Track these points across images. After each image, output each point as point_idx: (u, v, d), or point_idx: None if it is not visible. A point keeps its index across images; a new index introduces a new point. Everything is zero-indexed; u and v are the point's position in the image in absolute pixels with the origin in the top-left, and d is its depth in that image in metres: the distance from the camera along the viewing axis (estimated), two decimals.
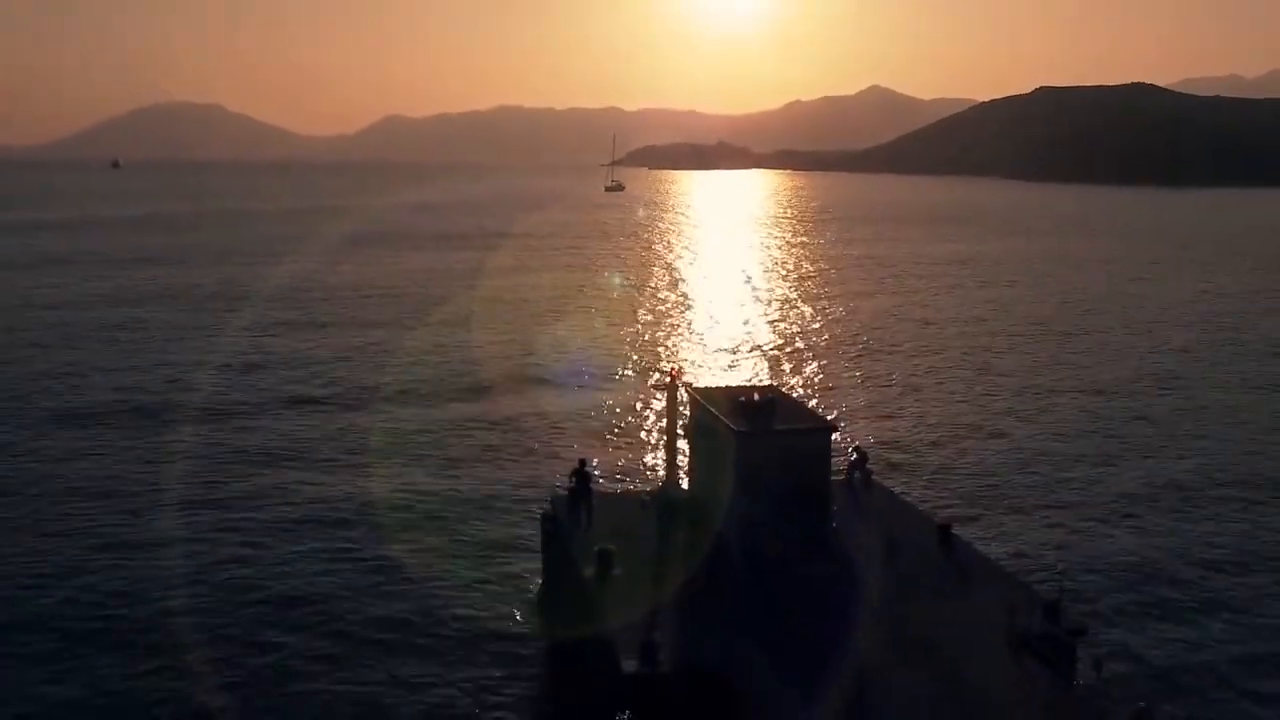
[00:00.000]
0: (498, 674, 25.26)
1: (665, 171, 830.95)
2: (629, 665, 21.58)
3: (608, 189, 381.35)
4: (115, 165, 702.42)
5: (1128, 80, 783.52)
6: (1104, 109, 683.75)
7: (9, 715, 23.43)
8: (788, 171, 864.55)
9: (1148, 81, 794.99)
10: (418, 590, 29.66)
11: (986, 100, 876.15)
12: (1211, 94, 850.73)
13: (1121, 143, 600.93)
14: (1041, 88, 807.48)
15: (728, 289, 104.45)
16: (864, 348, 70.31)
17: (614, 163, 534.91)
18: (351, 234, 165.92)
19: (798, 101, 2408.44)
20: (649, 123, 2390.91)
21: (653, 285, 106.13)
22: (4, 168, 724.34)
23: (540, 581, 29.95)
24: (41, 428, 46.82)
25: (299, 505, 36.68)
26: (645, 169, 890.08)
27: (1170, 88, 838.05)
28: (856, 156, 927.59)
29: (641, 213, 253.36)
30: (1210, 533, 35.01)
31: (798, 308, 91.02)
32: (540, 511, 31.31)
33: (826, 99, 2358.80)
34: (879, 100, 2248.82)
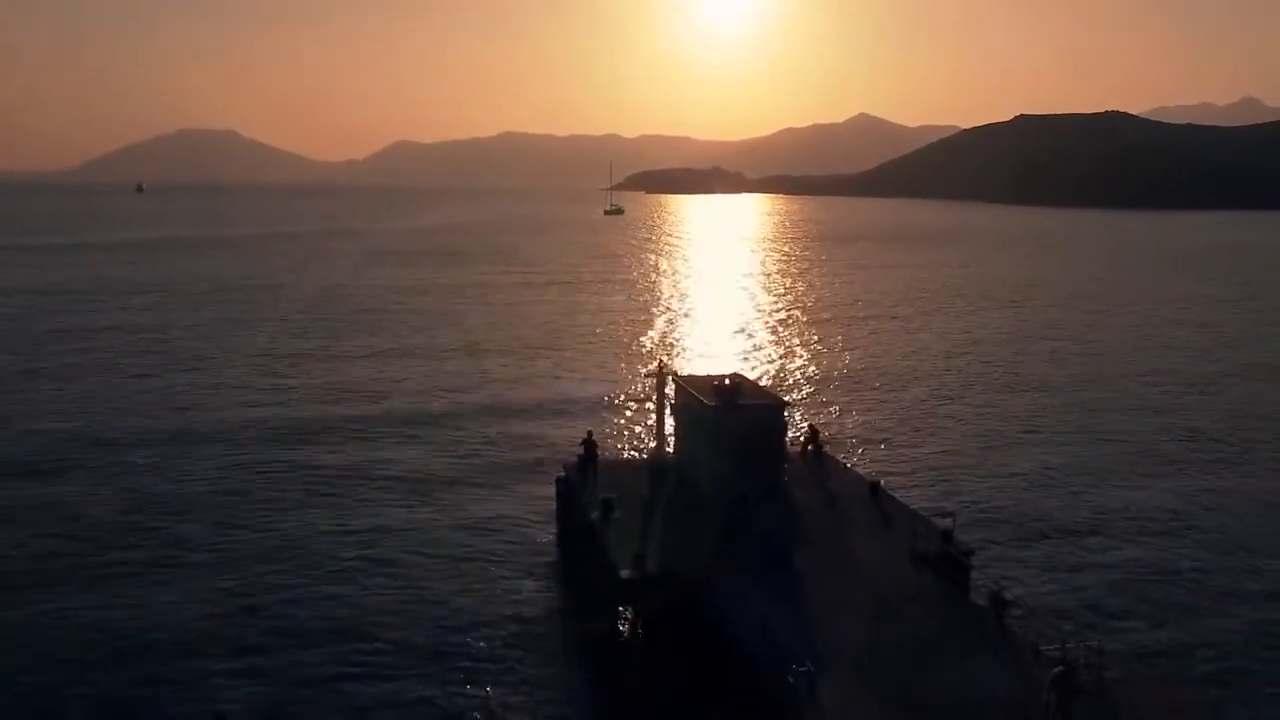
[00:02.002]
0: (522, 589, 31.77)
1: (663, 196, 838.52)
2: (625, 573, 27.99)
3: (607, 212, 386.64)
4: (139, 189, 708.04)
5: (1103, 109, 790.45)
6: (1080, 136, 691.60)
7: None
8: (779, 196, 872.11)
9: (1122, 110, 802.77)
10: (456, 536, 36.15)
11: (969, 127, 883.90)
12: (1184, 121, 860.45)
13: (1097, 168, 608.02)
14: (1021, 115, 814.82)
15: (711, 296, 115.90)
16: (824, 345, 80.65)
17: (613, 187, 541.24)
18: (375, 252, 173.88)
19: (789, 129, 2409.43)
20: (647, 149, 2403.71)
21: (646, 294, 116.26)
22: (35, 191, 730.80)
23: (556, 528, 36.43)
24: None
25: (341, 478, 43.15)
26: (643, 193, 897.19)
27: (1144, 115, 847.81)
28: (845, 181, 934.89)
29: (640, 234, 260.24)
30: (1078, 493, 41.69)
31: (770, 311, 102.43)
32: (556, 476, 37.81)
33: (816, 126, 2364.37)
34: (867, 127, 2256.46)
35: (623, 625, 28.74)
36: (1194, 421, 55.71)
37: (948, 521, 30.90)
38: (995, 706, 21.06)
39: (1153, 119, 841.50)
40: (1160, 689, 23.06)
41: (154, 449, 46.94)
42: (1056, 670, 20.61)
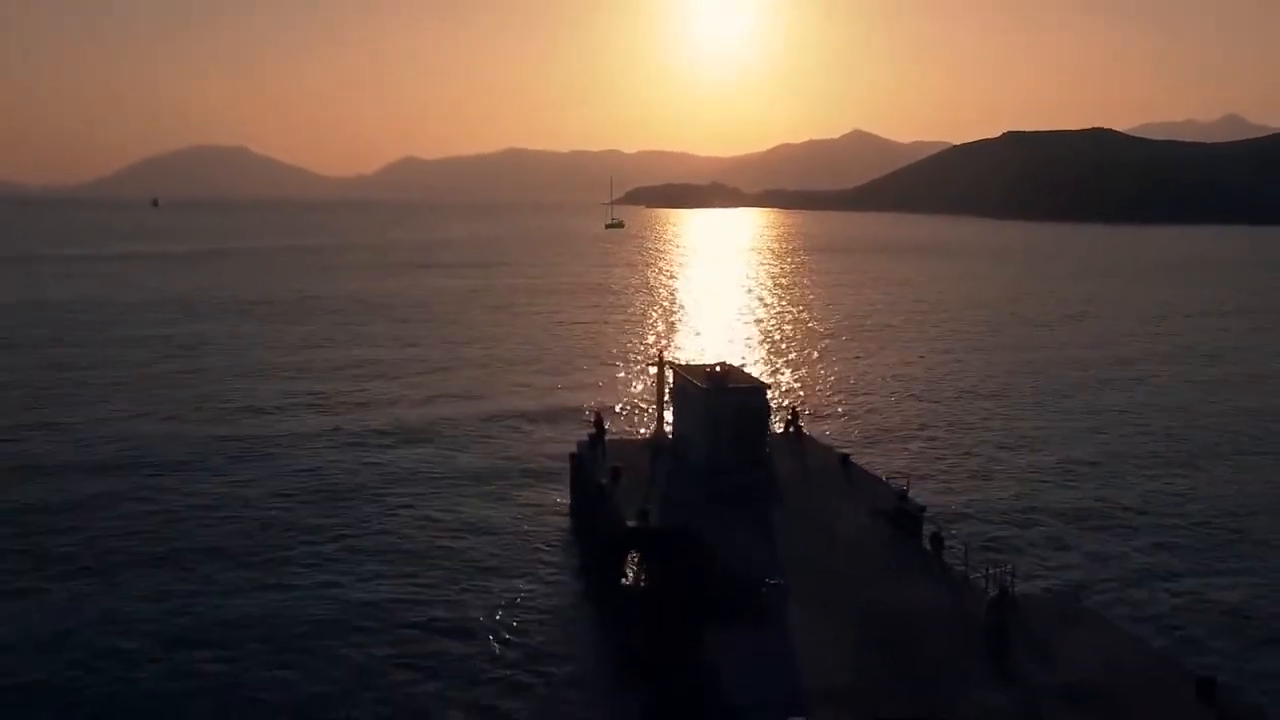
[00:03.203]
0: (541, 539, 36.76)
1: (661, 210, 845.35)
2: (631, 523, 32.75)
3: (608, 226, 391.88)
4: (155, 204, 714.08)
5: (1090, 125, 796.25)
6: (1067, 151, 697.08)
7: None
8: (776, 210, 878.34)
9: (1108, 126, 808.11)
10: (485, 504, 41.06)
11: (960, 143, 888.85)
12: (1169, 138, 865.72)
13: (1083, 183, 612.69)
14: (1010, 132, 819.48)
15: (707, 299, 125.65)
16: (806, 340, 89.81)
17: (613, 202, 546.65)
18: (397, 264, 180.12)
19: (785, 144, 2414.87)
20: (646, 164, 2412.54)
21: (647, 298, 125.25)
22: (55, 205, 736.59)
23: (570, 492, 41.37)
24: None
25: (380, 456, 48.04)
26: (643, 207, 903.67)
27: (1130, 132, 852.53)
28: (840, 195, 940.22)
29: (640, 246, 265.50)
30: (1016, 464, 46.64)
31: (760, 311, 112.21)
32: (570, 452, 42.67)
33: (811, 142, 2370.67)
34: (861, 143, 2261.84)
35: (629, 566, 33.48)
36: (1131, 405, 62.43)
37: (903, 484, 35.71)
38: (928, 615, 25.82)
39: (1138, 135, 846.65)
40: (1058, 598, 27.89)
41: (196, 450, 48.65)
42: (992, 596, 25.32)
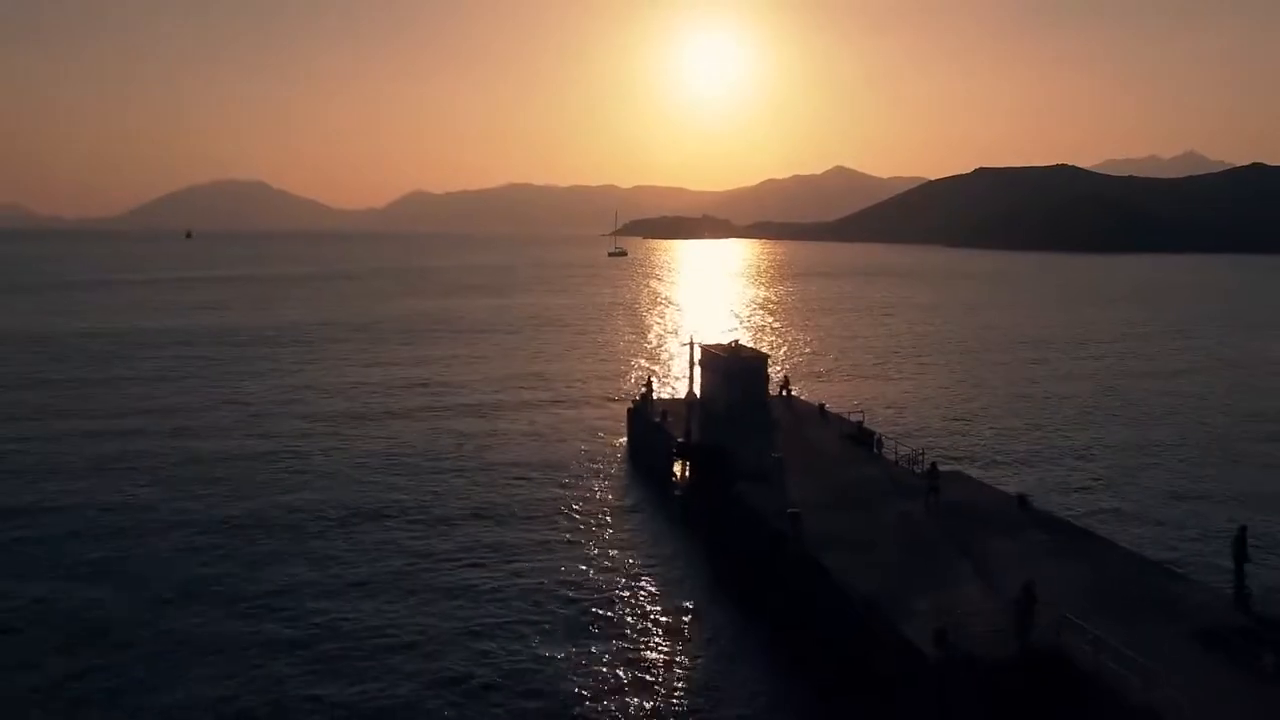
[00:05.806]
0: (606, 463, 51.04)
1: (658, 241, 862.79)
2: (679, 440, 46.92)
3: (610, 255, 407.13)
4: (188, 236, 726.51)
5: (1056, 161, 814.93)
6: (1034, 186, 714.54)
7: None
8: (764, 240, 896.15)
9: (1073, 163, 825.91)
10: (558, 443, 55.33)
11: (935, 179, 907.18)
12: (1130, 174, 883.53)
13: (1048, 215, 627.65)
14: (980, 168, 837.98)
15: (718, 303, 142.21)
16: (794, 332, 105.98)
17: (615, 233, 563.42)
18: (439, 286, 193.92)
19: (771, 179, 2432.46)
20: (642, 199, 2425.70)
21: (662, 304, 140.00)
22: (94, 237, 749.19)
23: (627, 433, 55.64)
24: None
25: (472, 412, 62.17)
26: (639, 238, 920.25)
27: (1094, 168, 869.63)
28: (823, 227, 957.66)
29: (644, 271, 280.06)
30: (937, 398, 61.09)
31: (754, 313, 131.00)
32: (627, 407, 56.88)
33: (796, 177, 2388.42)
34: (843, 178, 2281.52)
35: (676, 469, 47.71)
36: (1033, 367, 79.34)
37: (860, 416, 50.03)
38: (871, 484, 39.91)
39: (1102, 171, 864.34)
40: (953, 473, 42.14)
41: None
42: (926, 469, 39.36)
